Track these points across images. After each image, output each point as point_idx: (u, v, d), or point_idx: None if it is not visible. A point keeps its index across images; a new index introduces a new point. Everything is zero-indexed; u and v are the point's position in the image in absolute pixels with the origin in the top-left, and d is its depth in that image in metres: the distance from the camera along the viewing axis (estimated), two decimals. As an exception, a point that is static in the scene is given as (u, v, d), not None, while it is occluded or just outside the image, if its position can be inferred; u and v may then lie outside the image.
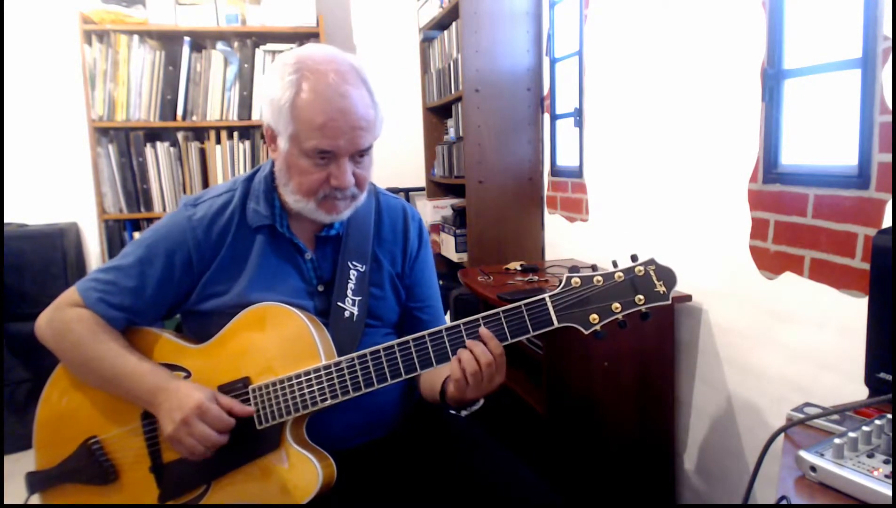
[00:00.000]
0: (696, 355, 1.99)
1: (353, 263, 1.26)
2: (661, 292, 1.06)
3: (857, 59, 1.39)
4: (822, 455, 0.91)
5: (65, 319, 1.20)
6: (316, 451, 1.14)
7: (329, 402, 1.12)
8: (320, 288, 1.26)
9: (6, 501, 1.88)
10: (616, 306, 1.06)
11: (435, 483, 1.22)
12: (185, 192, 3.23)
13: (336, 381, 1.12)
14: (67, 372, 1.25)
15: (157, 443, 1.19)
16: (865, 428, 0.93)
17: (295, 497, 1.10)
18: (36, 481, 1.25)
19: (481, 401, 1.21)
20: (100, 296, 1.20)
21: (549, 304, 1.08)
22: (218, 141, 3.22)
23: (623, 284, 1.06)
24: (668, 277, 1.06)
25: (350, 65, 1.17)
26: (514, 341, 1.10)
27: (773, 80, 1.62)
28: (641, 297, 1.05)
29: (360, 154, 1.18)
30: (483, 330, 1.09)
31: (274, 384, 1.14)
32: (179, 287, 1.23)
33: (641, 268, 1.06)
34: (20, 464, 2.50)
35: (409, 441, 1.30)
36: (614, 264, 1.09)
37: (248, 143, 3.25)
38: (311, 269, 1.26)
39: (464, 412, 1.23)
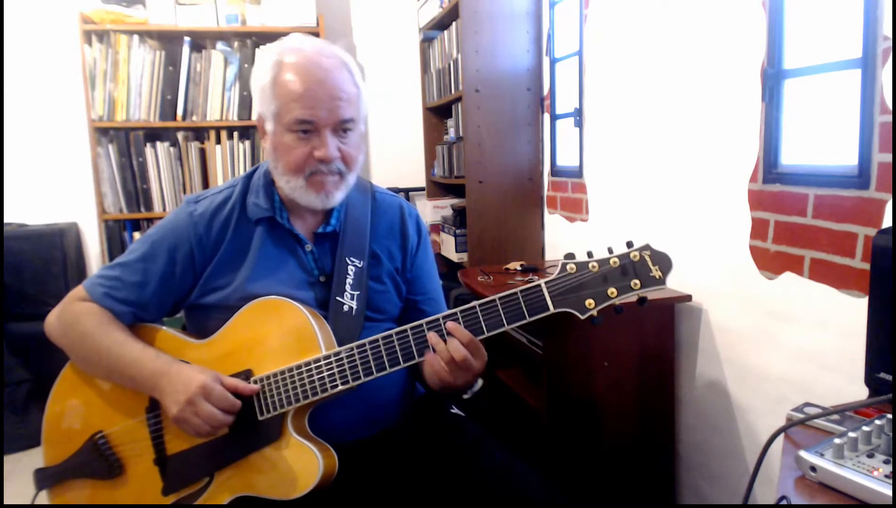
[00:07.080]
0: (696, 355, 1.99)
1: (351, 258, 1.28)
2: (657, 277, 1.06)
3: (857, 59, 1.39)
4: (822, 455, 0.90)
5: (74, 312, 1.23)
6: (317, 442, 1.15)
7: (329, 391, 1.13)
8: (321, 278, 1.28)
9: (6, 501, 1.88)
10: (612, 291, 1.06)
11: (434, 479, 1.22)
12: (185, 192, 3.23)
13: (336, 370, 1.13)
14: (75, 370, 1.27)
15: (161, 435, 1.21)
16: (865, 428, 0.93)
17: (296, 487, 1.11)
18: (43, 478, 1.26)
19: (479, 381, 1.22)
20: (106, 291, 1.23)
21: (545, 289, 1.08)
22: (218, 141, 3.22)
23: (618, 269, 1.07)
24: (663, 261, 1.06)
25: (332, 48, 1.22)
26: (511, 326, 1.11)
27: (773, 80, 1.62)
28: (637, 282, 1.06)
29: (343, 129, 1.20)
30: (449, 324, 1.11)
31: (275, 374, 1.15)
32: (182, 282, 1.25)
33: (637, 253, 1.07)
34: (20, 464, 2.51)
35: (408, 437, 1.30)
36: (609, 250, 1.09)
37: (248, 143, 3.25)
38: (312, 260, 1.28)
39: (465, 396, 1.25)
